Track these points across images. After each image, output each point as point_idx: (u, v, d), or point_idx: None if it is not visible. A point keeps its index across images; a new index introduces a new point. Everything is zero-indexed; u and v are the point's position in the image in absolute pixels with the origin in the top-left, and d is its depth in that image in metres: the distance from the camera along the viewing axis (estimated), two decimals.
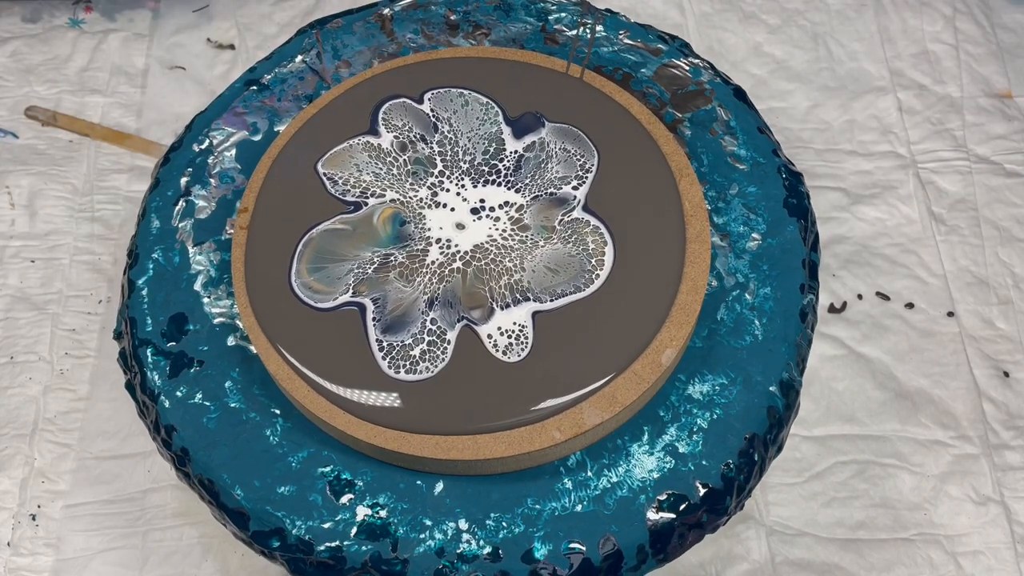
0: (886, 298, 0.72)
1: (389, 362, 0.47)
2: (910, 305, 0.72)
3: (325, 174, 0.53)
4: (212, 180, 0.55)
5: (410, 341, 0.48)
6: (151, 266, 0.53)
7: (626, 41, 0.59)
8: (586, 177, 0.52)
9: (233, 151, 0.57)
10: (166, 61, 0.84)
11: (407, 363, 0.47)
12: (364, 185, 0.52)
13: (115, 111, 0.81)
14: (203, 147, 0.57)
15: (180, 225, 0.54)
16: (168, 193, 0.55)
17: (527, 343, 0.48)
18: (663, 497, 0.46)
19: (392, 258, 0.50)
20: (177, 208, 0.55)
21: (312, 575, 0.46)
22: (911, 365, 0.70)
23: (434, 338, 0.48)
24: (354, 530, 0.46)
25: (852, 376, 0.69)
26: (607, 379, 0.46)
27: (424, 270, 0.50)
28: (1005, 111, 0.80)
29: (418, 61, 0.57)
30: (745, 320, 0.50)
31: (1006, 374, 0.69)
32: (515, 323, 0.48)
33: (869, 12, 0.86)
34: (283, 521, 0.46)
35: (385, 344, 0.48)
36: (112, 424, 0.68)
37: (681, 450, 0.47)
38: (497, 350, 0.47)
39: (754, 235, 0.53)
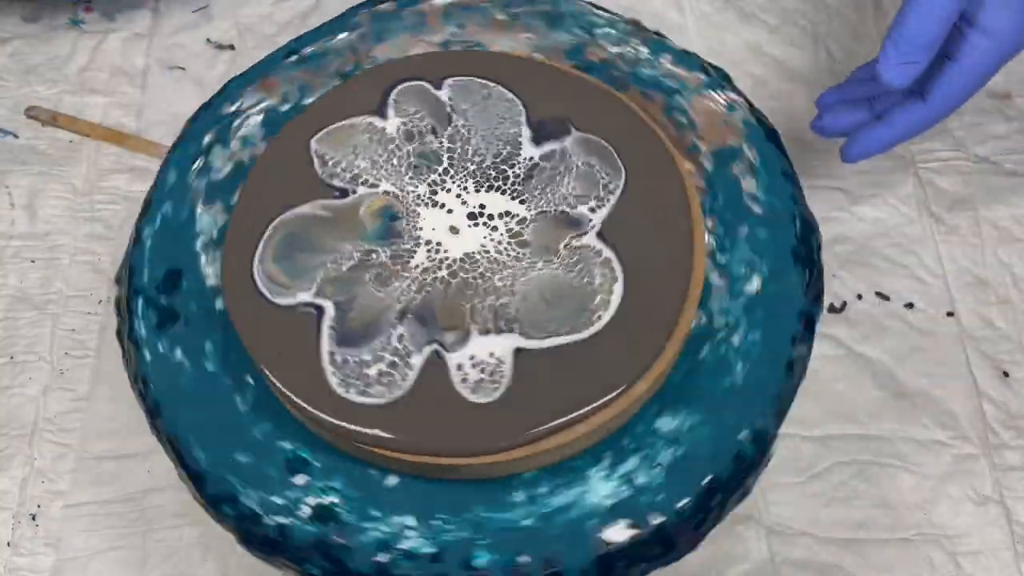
0: (886, 298, 0.72)
1: (340, 379, 0.44)
2: (910, 305, 0.72)
3: (316, 151, 0.49)
4: (233, 143, 0.55)
5: (369, 358, 0.44)
6: (159, 219, 0.53)
7: (668, 66, 0.57)
8: (607, 199, 0.47)
9: (260, 117, 0.56)
10: (166, 61, 0.84)
11: (360, 383, 0.44)
12: (357, 171, 0.49)
13: (115, 111, 0.81)
14: (231, 110, 0.56)
15: (194, 183, 0.54)
16: (190, 149, 0.55)
17: (501, 384, 0.43)
18: (613, 524, 0.45)
19: (373, 256, 0.47)
20: (195, 166, 0.54)
21: (260, 548, 0.46)
22: (911, 365, 0.70)
23: (396, 359, 0.44)
24: (304, 510, 0.46)
25: (852, 376, 0.69)
26: (577, 413, 0.43)
27: (404, 274, 0.46)
28: (1005, 111, 0.80)
29: (449, 51, 0.55)
30: (727, 362, 0.49)
31: (1006, 374, 0.69)
32: (492, 355, 0.43)
33: (869, 12, 0.86)
34: (236, 488, 0.46)
35: (339, 358, 0.44)
36: (112, 424, 0.68)
37: (638, 481, 0.46)
38: (466, 384, 0.43)
39: (755, 279, 0.51)
